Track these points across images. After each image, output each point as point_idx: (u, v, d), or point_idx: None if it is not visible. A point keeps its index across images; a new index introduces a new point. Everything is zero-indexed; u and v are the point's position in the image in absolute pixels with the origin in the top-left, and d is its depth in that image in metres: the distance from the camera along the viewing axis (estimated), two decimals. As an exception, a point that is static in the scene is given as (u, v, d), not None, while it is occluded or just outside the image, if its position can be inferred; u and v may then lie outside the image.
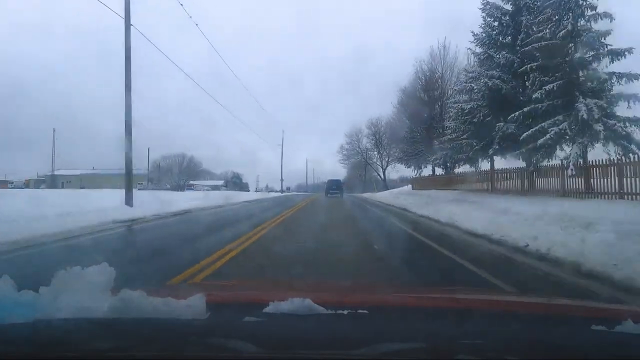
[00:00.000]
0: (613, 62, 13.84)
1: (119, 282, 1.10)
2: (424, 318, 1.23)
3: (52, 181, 67.15)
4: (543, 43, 14.48)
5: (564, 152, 14.26)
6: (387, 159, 57.15)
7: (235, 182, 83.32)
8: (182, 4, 15.61)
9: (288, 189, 76.84)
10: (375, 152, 59.48)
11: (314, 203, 27.15)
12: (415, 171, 35.92)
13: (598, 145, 13.32)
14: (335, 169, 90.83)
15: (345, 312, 1.12)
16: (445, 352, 0.88)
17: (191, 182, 75.00)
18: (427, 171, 34.86)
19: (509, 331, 1.04)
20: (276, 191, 73.69)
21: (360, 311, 1.16)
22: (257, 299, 1.44)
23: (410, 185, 39.43)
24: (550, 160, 15.08)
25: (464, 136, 19.94)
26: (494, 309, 1.47)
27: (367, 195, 43.53)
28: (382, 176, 59.35)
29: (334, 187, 44.07)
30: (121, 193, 15.84)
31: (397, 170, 54.46)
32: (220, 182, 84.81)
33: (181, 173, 67.77)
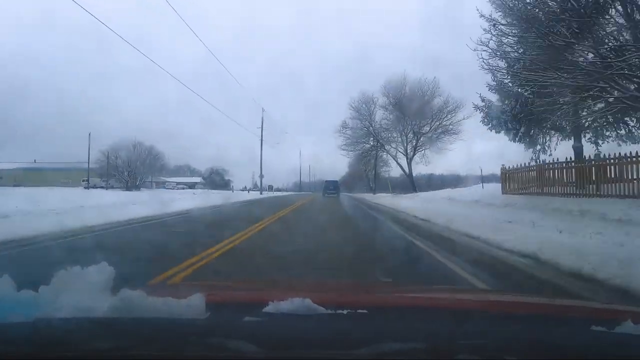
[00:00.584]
0: None
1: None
2: (423, 318, 1.27)
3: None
4: None
5: None
6: (415, 141, 37.90)
7: (214, 180, 76.69)
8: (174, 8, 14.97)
9: (270, 187, 67.61)
10: (397, 134, 39.46)
11: (288, 225, 12.58)
12: (535, 154, 16.00)
13: None
14: (334, 168, 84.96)
15: (345, 312, 1.14)
16: (445, 352, 0.91)
17: (164, 179, 68.71)
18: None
19: (509, 331, 1.08)
20: (271, 190, 62.86)
21: (360, 311, 1.18)
22: (256, 298, 1.43)
23: (490, 184, 21.49)
24: None
25: None
26: (493, 309, 1.51)
27: (380, 200, 24.27)
28: (407, 170, 39.68)
29: (330, 187, 47.35)
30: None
31: (427, 163, 39.07)
32: (199, 180, 79.79)
33: (141, 167, 55.26)
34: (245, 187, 75.53)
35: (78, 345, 0.86)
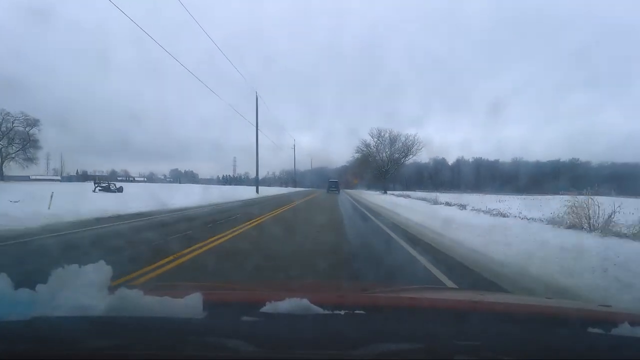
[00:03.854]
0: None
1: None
2: (421, 319, 1.28)
3: None
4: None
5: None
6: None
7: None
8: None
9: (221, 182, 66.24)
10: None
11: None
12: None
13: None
14: (331, 160, 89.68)
15: (343, 312, 1.15)
16: (443, 352, 0.92)
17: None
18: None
19: (507, 332, 1.09)
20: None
21: (357, 311, 1.19)
22: (254, 298, 1.45)
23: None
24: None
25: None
26: (491, 310, 1.52)
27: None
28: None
29: (333, 186, 61.56)
30: None
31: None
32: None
33: None
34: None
35: (75, 344, 0.87)
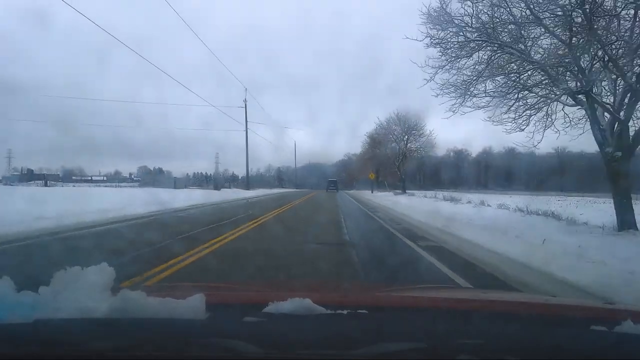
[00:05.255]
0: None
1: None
2: (423, 318, 1.28)
3: None
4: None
5: None
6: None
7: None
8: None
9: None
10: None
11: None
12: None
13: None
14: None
15: (345, 312, 1.15)
16: (445, 352, 0.92)
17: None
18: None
19: (509, 331, 1.09)
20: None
21: (359, 311, 1.19)
22: (256, 299, 1.45)
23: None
24: None
25: None
26: (493, 309, 1.52)
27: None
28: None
29: (332, 185, 64.77)
30: None
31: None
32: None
33: None
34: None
35: (77, 346, 0.88)
